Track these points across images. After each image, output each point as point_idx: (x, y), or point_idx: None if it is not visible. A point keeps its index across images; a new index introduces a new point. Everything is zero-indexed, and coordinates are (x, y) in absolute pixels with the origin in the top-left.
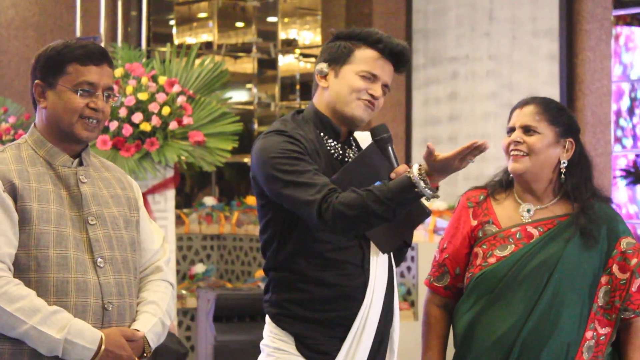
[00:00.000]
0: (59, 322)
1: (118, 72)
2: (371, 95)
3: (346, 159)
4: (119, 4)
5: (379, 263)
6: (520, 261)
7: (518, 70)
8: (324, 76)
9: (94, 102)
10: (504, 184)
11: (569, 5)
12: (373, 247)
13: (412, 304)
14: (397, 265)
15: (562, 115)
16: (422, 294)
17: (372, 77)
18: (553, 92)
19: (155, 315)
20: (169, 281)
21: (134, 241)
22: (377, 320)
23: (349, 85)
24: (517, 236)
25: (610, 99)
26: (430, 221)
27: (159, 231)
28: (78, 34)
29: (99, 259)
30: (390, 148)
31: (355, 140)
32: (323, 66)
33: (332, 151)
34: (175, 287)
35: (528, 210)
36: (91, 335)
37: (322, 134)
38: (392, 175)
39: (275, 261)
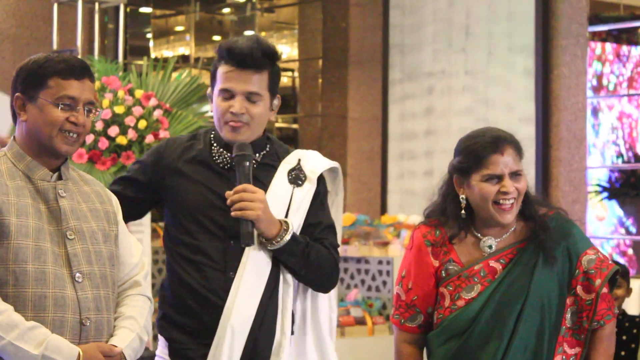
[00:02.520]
0: (36, 337)
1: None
2: (232, 113)
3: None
4: (96, 16)
5: (247, 268)
6: (490, 300)
7: (494, 85)
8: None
9: (74, 117)
10: (460, 223)
11: (544, 22)
12: (246, 254)
13: (387, 318)
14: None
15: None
16: None
17: (227, 94)
18: (529, 107)
19: (133, 331)
20: (147, 296)
21: (113, 255)
22: (244, 330)
23: (215, 109)
24: (481, 274)
25: (586, 114)
26: (406, 235)
27: (137, 245)
28: (55, 46)
29: (78, 274)
30: (245, 165)
31: (272, 152)
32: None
33: (218, 160)
34: (152, 301)
35: (490, 247)
36: (69, 351)
37: (216, 145)
38: (228, 193)
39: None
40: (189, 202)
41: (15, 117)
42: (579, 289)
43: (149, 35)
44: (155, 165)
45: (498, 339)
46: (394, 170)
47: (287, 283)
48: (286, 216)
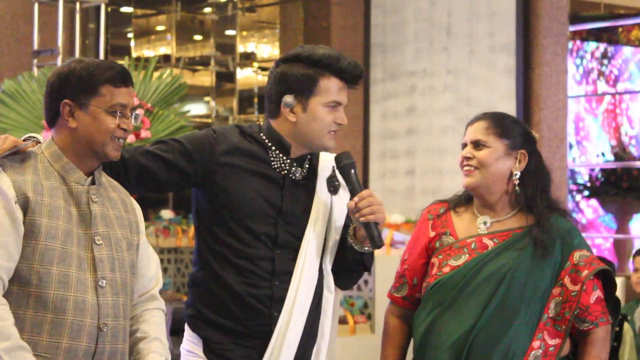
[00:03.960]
0: (19, 358)
1: None
2: (340, 123)
3: (290, 175)
4: (77, 16)
5: (302, 281)
6: (473, 270)
7: (475, 84)
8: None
9: (125, 123)
10: (465, 199)
11: (525, 21)
12: (300, 264)
13: (369, 317)
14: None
15: (513, 128)
16: (379, 307)
17: (335, 104)
18: (510, 106)
19: (161, 355)
20: (162, 309)
21: (134, 264)
22: (297, 339)
23: (319, 118)
24: (472, 246)
25: (566, 113)
26: (387, 234)
27: (154, 257)
28: (36, 46)
29: (101, 280)
30: (352, 173)
31: (311, 161)
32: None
33: (275, 165)
34: (165, 312)
35: (484, 223)
36: None
37: (274, 148)
38: (350, 203)
39: (195, 258)
40: (240, 207)
41: (52, 120)
42: (566, 279)
43: (130, 35)
44: (205, 157)
45: (473, 311)
46: (376, 169)
47: (330, 291)
48: (329, 225)
